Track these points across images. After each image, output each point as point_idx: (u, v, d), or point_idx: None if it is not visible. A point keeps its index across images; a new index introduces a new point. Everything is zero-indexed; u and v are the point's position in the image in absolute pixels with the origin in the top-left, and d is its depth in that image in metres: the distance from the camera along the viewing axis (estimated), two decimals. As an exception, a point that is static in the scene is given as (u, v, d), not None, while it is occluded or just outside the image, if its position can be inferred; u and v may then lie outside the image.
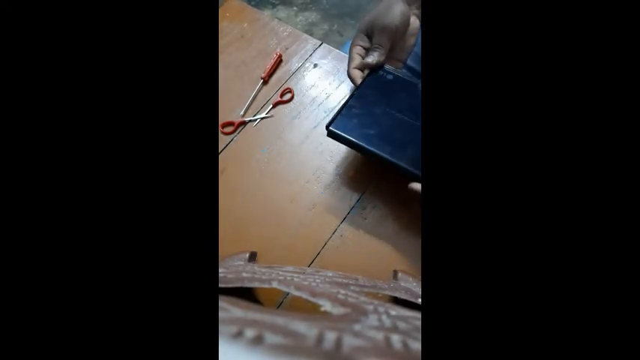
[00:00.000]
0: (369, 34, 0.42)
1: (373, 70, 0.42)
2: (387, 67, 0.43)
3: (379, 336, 0.14)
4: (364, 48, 0.43)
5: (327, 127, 0.39)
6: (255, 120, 0.49)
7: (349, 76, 0.43)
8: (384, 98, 0.41)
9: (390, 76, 0.42)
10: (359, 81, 0.42)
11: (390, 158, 0.37)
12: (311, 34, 0.58)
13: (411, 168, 0.37)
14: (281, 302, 0.38)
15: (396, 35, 0.41)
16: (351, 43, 0.44)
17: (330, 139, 0.41)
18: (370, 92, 0.41)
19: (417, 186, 0.37)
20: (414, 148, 0.38)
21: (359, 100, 0.41)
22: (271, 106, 0.50)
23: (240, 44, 0.54)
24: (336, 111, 0.40)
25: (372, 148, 0.38)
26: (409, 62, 0.49)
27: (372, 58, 0.42)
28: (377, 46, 0.42)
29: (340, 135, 0.39)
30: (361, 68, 0.43)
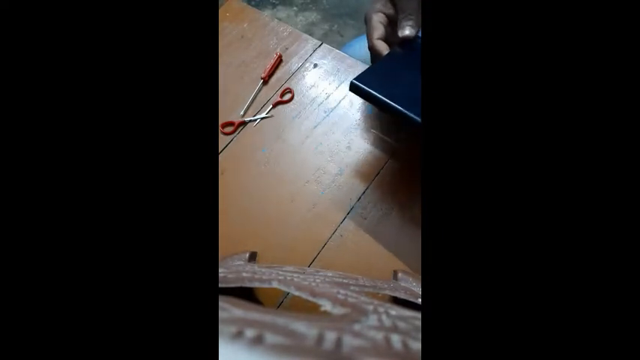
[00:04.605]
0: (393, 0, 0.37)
1: (406, 42, 0.38)
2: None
3: (379, 336, 0.14)
4: (387, 16, 0.38)
5: (351, 81, 0.36)
6: (255, 120, 0.49)
7: (372, 48, 0.38)
8: (416, 61, 0.37)
9: None
10: (385, 52, 0.37)
11: (413, 117, 0.34)
12: (311, 34, 0.58)
13: None
14: (281, 302, 0.38)
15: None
16: (369, 11, 0.38)
17: (331, 138, 0.41)
18: (402, 54, 0.38)
19: None
20: None
21: (390, 60, 0.37)
22: (271, 106, 0.50)
23: (241, 44, 0.54)
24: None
25: (395, 105, 0.35)
26: None
27: (410, 31, 0.36)
28: (409, 15, 0.36)
29: (363, 89, 0.35)
30: (385, 39, 0.38)
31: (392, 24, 0.39)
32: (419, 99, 0.34)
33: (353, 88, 0.36)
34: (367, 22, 0.39)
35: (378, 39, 0.37)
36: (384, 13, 0.38)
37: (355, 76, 0.36)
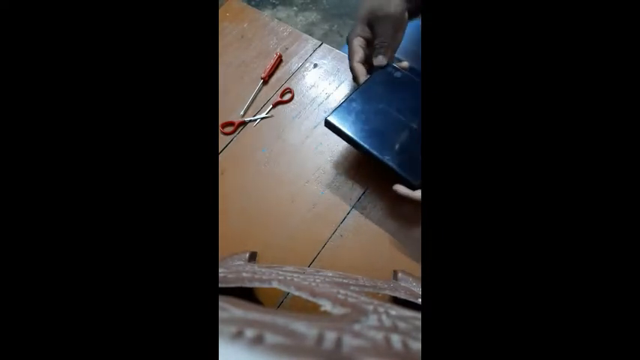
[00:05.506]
0: (371, 24, 0.40)
1: (380, 67, 0.42)
2: (395, 64, 0.42)
3: (379, 336, 0.14)
4: (365, 39, 0.42)
5: (325, 118, 0.39)
6: (255, 120, 0.49)
7: (352, 70, 0.42)
8: (387, 95, 0.41)
9: (397, 74, 0.42)
10: (362, 78, 0.41)
11: (378, 155, 0.38)
12: (311, 34, 0.58)
13: (396, 168, 0.37)
14: (281, 302, 0.38)
15: (398, 26, 0.40)
16: (351, 34, 0.42)
17: (331, 139, 0.41)
18: (375, 87, 0.41)
19: (401, 189, 0.37)
20: (403, 149, 0.38)
21: (362, 94, 0.41)
22: (271, 106, 0.50)
23: (240, 44, 0.54)
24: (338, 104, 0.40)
25: (362, 143, 0.38)
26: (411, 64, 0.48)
27: (382, 59, 0.41)
28: (383, 41, 0.40)
29: (336, 127, 0.39)
30: (364, 63, 0.41)
31: (370, 46, 0.43)
32: (384, 136, 0.38)
33: (327, 124, 0.40)
34: (348, 45, 0.42)
35: (358, 62, 0.41)
36: (363, 37, 0.42)
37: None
